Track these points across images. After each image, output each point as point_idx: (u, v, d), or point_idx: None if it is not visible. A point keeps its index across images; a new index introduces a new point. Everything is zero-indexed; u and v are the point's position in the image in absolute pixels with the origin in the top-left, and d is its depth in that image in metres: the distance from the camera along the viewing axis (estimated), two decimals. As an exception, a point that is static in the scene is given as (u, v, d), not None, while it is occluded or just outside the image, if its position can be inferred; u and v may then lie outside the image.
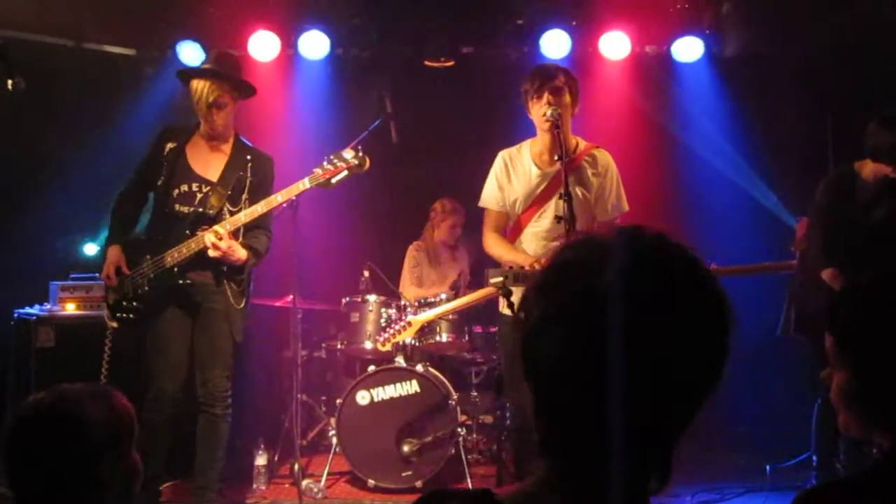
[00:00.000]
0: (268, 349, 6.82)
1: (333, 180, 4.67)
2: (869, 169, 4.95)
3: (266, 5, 6.87)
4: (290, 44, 7.07)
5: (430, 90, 7.20)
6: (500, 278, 4.03)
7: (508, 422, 5.19)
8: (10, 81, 4.02)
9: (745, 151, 7.14)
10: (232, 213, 4.75)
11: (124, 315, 4.77)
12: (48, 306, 5.81)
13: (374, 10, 6.98)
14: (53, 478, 2.13)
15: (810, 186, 5.36)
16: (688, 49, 7.08)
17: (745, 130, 7.07)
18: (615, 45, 7.03)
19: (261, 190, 4.87)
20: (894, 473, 1.77)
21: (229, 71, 4.87)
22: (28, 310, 5.77)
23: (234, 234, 4.72)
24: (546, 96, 4.39)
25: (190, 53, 6.98)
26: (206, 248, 4.58)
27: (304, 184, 4.66)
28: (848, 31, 6.59)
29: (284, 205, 4.81)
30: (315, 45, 7.02)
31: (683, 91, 7.25)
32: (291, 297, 5.82)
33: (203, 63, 4.92)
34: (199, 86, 4.71)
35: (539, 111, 4.42)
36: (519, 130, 4.96)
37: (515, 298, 4.11)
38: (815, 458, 5.12)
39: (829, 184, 5.09)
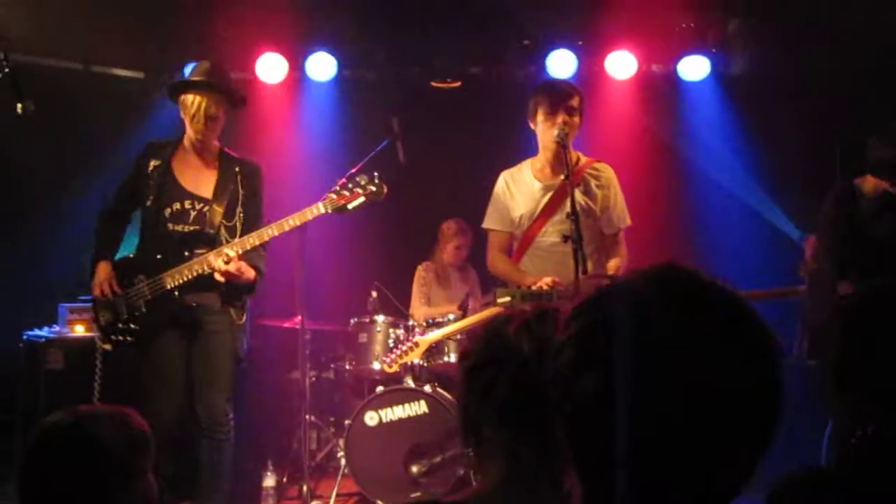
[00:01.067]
0: (276, 370, 6.81)
1: (350, 206, 4.57)
2: (870, 183, 4.94)
3: (273, 27, 6.89)
4: (297, 66, 7.10)
5: (438, 111, 7.22)
6: (509, 297, 4.03)
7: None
8: (20, 105, 4.05)
9: (753, 169, 7.14)
10: (227, 229, 4.70)
11: (120, 337, 4.67)
12: (57, 328, 5.83)
13: (381, 31, 7.01)
14: (68, 498, 2.13)
15: (818, 204, 5.36)
16: (694, 68, 7.10)
17: (752, 149, 7.07)
18: (621, 64, 7.05)
19: (253, 201, 4.82)
20: (873, 461, 1.73)
21: (223, 83, 4.83)
22: (37, 332, 5.79)
23: (232, 236, 4.70)
24: (561, 116, 4.38)
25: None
26: (209, 271, 4.52)
27: (319, 208, 4.57)
28: (854, 48, 6.59)
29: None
30: (322, 66, 7.05)
31: (690, 110, 7.26)
32: (299, 317, 5.82)
33: (192, 75, 4.80)
34: (196, 100, 4.64)
35: (549, 129, 4.41)
36: (526, 150, 4.97)
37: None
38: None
39: (830, 200, 5.08)
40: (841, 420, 4.97)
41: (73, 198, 6.46)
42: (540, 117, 4.49)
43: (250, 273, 4.62)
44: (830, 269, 4.93)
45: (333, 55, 7.03)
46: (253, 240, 4.57)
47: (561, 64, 6.98)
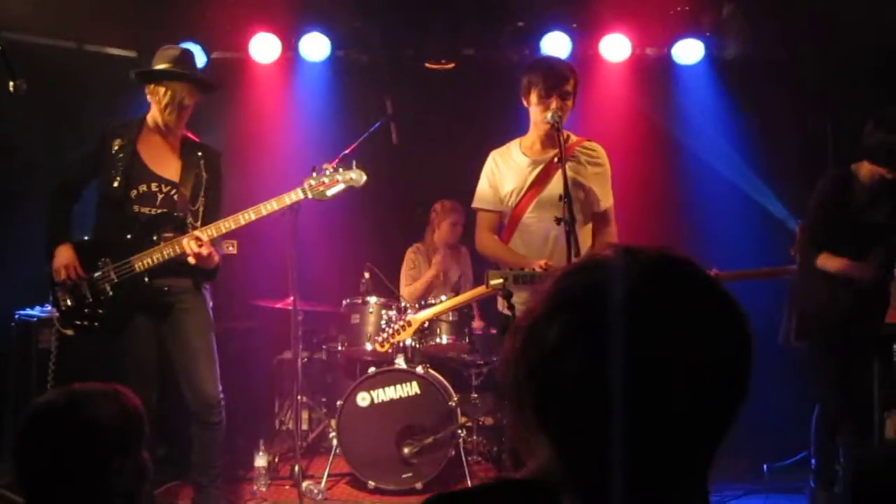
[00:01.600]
0: (268, 351, 6.84)
1: (329, 192, 4.57)
2: (865, 170, 4.92)
3: (267, 7, 6.86)
4: (290, 46, 7.07)
5: (431, 92, 7.21)
6: (501, 280, 4.02)
7: (506, 420, 5.17)
8: (12, 83, 4.02)
9: (746, 153, 7.14)
10: (191, 213, 4.65)
11: (85, 322, 4.57)
12: (49, 307, 5.81)
13: (374, 12, 6.98)
14: (64, 476, 2.15)
15: (811, 188, 5.37)
16: (688, 51, 7.08)
17: (745, 133, 7.08)
18: (615, 47, 7.03)
19: (214, 187, 4.79)
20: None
21: (195, 71, 4.83)
22: (29, 311, 5.78)
23: (196, 220, 4.68)
24: (554, 100, 4.36)
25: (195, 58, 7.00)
26: (181, 254, 4.47)
27: (298, 194, 4.55)
28: (849, 33, 6.59)
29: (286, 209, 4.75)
30: (316, 46, 7.01)
31: (684, 93, 7.25)
32: (292, 298, 5.83)
33: (162, 62, 4.71)
34: (169, 90, 4.60)
35: (542, 112, 4.39)
36: (519, 132, 4.96)
37: (516, 300, 4.12)
38: (813, 461, 5.12)
39: (824, 186, 5.07)
40: (827, 401, 5.02)
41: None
42: (533, 98, 4.46)
43: (216, 258, 4.59)
44: (810, 243, 4.94)
45: (327, 35, 6.99)
46: (229, 223, 4.52)
47: (555, 46, 6.95)
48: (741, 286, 5.41)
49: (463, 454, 5.64)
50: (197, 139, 4.88)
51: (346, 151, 5.88)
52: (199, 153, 4.78)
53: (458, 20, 7.02)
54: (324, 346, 6.63)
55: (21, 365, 5.66)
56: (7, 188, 6.31)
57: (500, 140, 4.99)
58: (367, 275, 6.25)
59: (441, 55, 7.17)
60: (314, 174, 4.57)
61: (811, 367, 5.15)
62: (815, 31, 6.76)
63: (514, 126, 5.42)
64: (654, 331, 1.11)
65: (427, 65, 7.18)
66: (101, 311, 4.57)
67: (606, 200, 4.63)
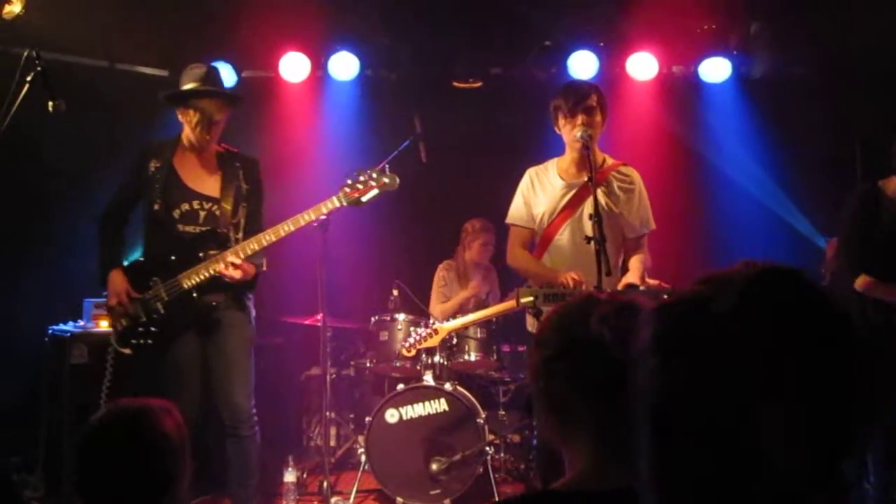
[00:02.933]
0: (297, 367, 6.88)
1: (364, 198, 4.59)
2: (894, 185, 4.92)
3: (296, 27, 6.94)
4: (319, 65, 7.16)
5: (459, 110, 7.24)
6: (531, 297, 4.05)
7: (535, 441, 5.18)
8: (51, 103, 4.09)
9: (773, 171, 7.14)
10: (233, 226, 4.71)
11: (140, 341, 4.65)
12: (82, 323, 5.90)
13: (403, 31, 7.04)
14: (130, 489, 2.18)
15: (838, 206, 5.35)
16: (715, 70, 7.11)
17: (772, 150, 7.07)
18: (642, 65, 7.07)
19: (255, 196, 4.83)
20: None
21: (221, 87, 4.91)
22: (62, 326, 5.86)
23: (237, 234, 4.72)
24: (580, 117, 4.40)
25: (222, 74, 7.07)
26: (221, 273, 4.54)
27: (334, 202, 4.59)
28: (876, 49, 6.58)
29: (315, 223, 4.80)
30: (345, 66, 7.10)
31: (711, 111, 7.27)
32: (321, 315, 5.87)
33: (190, 82, 4.78)
34: (198, 109, 4.67)
35: (571, 131, 4.43)
36: (547, 150, 4.99)
37: (545, 318, 4.13)
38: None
39: (853, 201, 5.06)
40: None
41: (98, 194, 6.51)
42: (561, 121, 4.50)
43: (252, 271, 4.65)
44: (848, 265, 4.92)
45: (356, 54, 7.08)
46: (269, 236, 4.57)
47: (582, 65, 7.01)
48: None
49: (491, 471, 5.65)
50: (234, 149, 4.94)
51: (359, 172, 5.95)
52: (237, 164, 4.84)
53: (486, 39, 7.09)
54: (352, 363, 6.66)
55: (53, 379, 5.74)
56: (41, 206, 6.40)
57: (528, 158, 5.02)
58: (395, 292, 6.29)
59: (468, 74, 7.23)
60: (349, 181, 4.59)
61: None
62: (842, 47, 6.76)
63: (542, 144, 5.45)
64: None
65: (455, 84, 7.23)
66: (153, 328, 4.66)
67: (644, 226, 4.65)
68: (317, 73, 7.22)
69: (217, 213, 4.70)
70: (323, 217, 4.75)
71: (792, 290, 1.16)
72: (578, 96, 4.44)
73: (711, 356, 1.11)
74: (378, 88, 7.34)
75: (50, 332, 5.84)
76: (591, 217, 4.05)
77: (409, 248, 7.24)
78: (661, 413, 1.15)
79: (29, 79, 4.08)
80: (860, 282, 4.74)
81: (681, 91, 7.29)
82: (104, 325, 5.81)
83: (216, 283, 4.60)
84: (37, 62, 4.12)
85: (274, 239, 4.59)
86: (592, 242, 3.97)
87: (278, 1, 6.62)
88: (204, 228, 4.67)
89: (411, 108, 6.55)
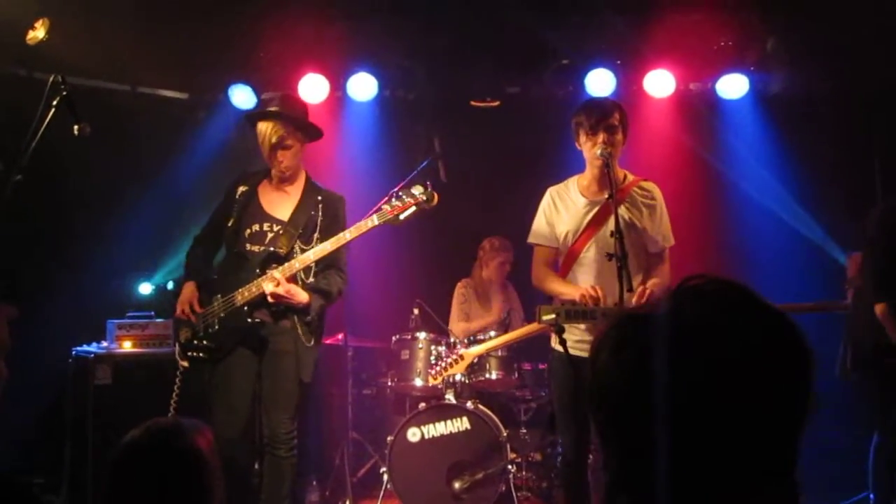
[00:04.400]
0: (317, 386, 6.88)
1: (402, 216, 4.56)
2: None
3: (315, 49, 7.00)
4: (338, 86, 7.22)
5: (477, 130, 7.28)
6: (553, 315, 4.05)
7: (560, 458, 5.17)
8: (76, 127, 4.13)
9: (792, 187, 7.12)
10: (303, 250, 4.74)
11: (195, 354, 4.73)
12: (105, 344, 5.93)
13: (420, 52, 7.09)
14: None
15: (857, 221, 5.34)
16: (733, 86, 7.11)
17: (791, 166, 7.06)
18: (660, 83, 7.08)
19: (332, 229, 4.81)
20: None
21: (293, 112, 4.90)
22: (86, 348, 5.89)
23: (306, 273, 4.74)
24: (602, 135, 4.41)
25: (242, 97, 7.16)
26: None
27: (374, 220, 4.57)
28: (893, 65, 6.58)
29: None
30: (363, 86, 7.15)
31: (729, 128, 7.27)
32: (342, 335, 5.90)
33: (267, 105, 4.91)
34: (263, 127, 4.76)
35: (592, 148, 4.44)
36: (566, 168, 5.00)
37: (568, 335, 4.15)
38: (872, 496, 5.06)
39: (880, 217, 5.05)
40: (884, 433, 4.97)
41: (120, 216, 6.60)
42: (582, 137, 4.51)
43: (302, 296, 4.64)
44: (871, 287, 4.90)
45: (374, 75, 7.13)
46: (310, 256, 4.62)
47: (599, 83, 7.02)
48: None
49: (513, 490, 5.64)
50: (320, 185, 5.02)
51: (395, 189, 5.97)
52: (319, 196, 4.91)
53: (503, 58, 7.12)
54: (373, 382, 6.67)
55: (77, 400, 5.77)
56: (65, 228, 6.47)
57: (546, 176, 5.03)
58: (416, 311, 6.31)
59: (486, 93, 7.27)
60: (389, 199, 4.59)
61: (867, 398, 5.12)
62: (857, 62, 6.75)
63: (560, 162, 5.46)
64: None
65: (472, 103, 7.27)
66: (207, 342, 4.72)
67: (665, 241, 4.65)
68: (336, 94, 7.28)
69: (282, 235, 4.75)
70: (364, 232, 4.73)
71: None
72: (601, 114, 4.45)
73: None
74: (396, 109, 7.39)
75: (74, 353, 5.88)
76: (611, 235, 4.06)
77: (429, 266, 7.25)
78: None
79: (54, 103, 4.13)
80: (879, 308, 4.74)
81: (698, 108, 7.30)
82: (127, 346, 5.87)
83: (267, 301, 4.63)
84: (62, 86, 4.17)
85: (313, 259, 4.63)
86: (614, 259, 3.97)
87: (297, 23, 6.67)
88: (268, 248, 4.73)
89: (429, 127, 6.60)
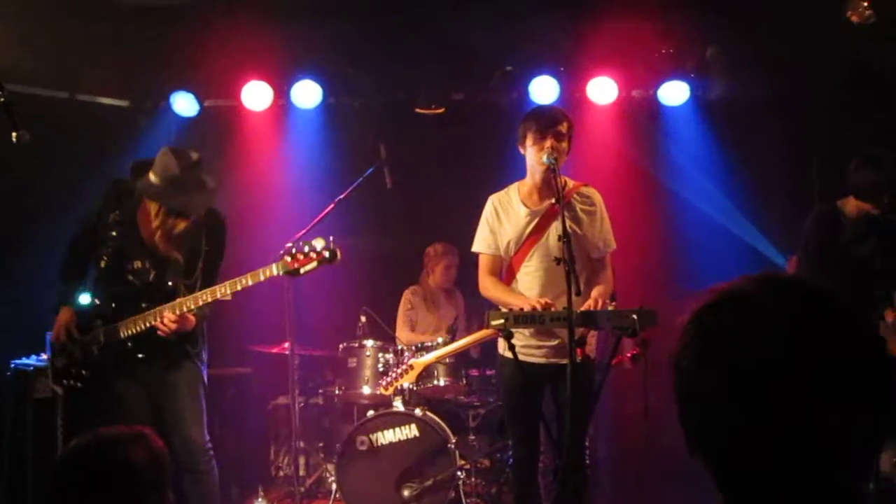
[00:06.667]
0: (263, 396, 6.82)
1: (302, 270, 4.39)
2: (852, 206, 5.07)
3: (259, 56, 6.94)
4: (282, 93, 7.16)
5: (422, 136, 7.28)
6: (502, 320, 4.06)
7: (511, 459, 5.16)
8: (14, 134, 4.04)
9: (732, 192, 7.23)
10: (187, 286, 4.60)
11: (70, 382, 4.61)
12: (45, 356, 5.78)
13: (365, 59, 7.06)
14: None
15: (797, 226, 5.45)
16: (674, 93, 7.20)
17: (731, 172, 7.17)
18: (602, 90, 7.14)
19: (216, 258, 4.74)
20: None
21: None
22: (25, 360, 5.74)
23: (191, 291, 4.59)
24: (549, 141, 4.44)
25: (184, 104, 7.07)
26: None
27: (272, 270, 4.39)
28: (827, 72, 6.72)
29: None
30: (308, 94, 7.11)
31: (670, 134, 7.37)
32: (287, 343, 5.86)
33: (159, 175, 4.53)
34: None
35: (537, 153, 4.46)
36: (510, 174, 5.01)
37: (514, 341, 4.17)
38: None
39: (813, 222, 5.19)
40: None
41: (58, 226, 6.45)
42: (529, 142, 4.53)
43: (189, 323, 4.53)
44: None
45: (318, 83, 7.09)
46: (206, 296, 4.45)
47: (543, 90, 7.07)
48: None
49: (462, 496, 5.64)
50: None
51: (341, 196, 5.96)
52: (202, 219, 4.69)
53: (448, 66, 7.12)
54: (320, 391, 6.63)
55: (16, 414, 5.62)
56: (1, 238, 6.32)
57: (492, 182, 5.04)
58: (363, 318, 6.28)
59: (431, 100, 7.26)
60: (291, 250, 4.38)
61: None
62: (795, 70, 6.88)
63: (505, 169, 5.47)
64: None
65: (417, 110, 7.26)
66: (86, 371, 4.60)
67: (606, 246, 4.69)
68: (279, 102, 7.22)
69: (167, 268, 4.61)
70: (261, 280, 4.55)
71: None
72: (550, 121, 4.49)
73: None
74: (341, 116, 7.36)
75: (12, 365, 5.73)
76: (559, 239, 4.08)
77: (376, 273, 7.22)
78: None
79: (-8, 109, 4.03)
80: None
81: (640, 114, 7.38)
82: (68, 359, 5.73)
83: (153, 334, 4.49)
84: (0, 93, 4.07)
85: (210, 299, 4.47)
86: (563, 264, 3.99)
87: (240, 30, 6.59)
88: (152, 283, 4.58)
89: (375, 134, 6.59)
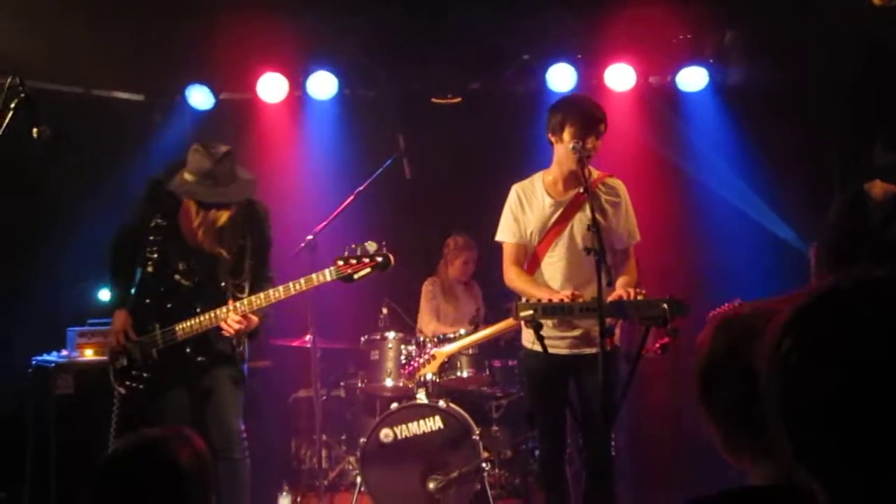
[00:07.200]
0: (285, 389, 6.80)
1: (356, 276, 4.45)
2: (878, 188, 5.00)
3: (274, 47, 6.90)
4: (298, 85, 7.11)
5: (440, 126, 7.23)
6: (531, 311, 4.02)
7: (538, 454, 5.14)
8: (35, 130, 4.03)
9: (751, 178, 7.17)
10: (235, 285, 4.65)
11: (133, 384, 4.66)
12: (66, 353, 5.78)
13: (380, 49, 7.02)
14: None
15: (818, 212, 5.39)
16: (692, 79, 7.13)
17: (750, 158, 7.11)
18: (620, 76, 7.07)
19: (261, 251, 4.77)
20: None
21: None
22: (46, 357, 5.74)
23: (239, 290, 4.65)
24: (591, 141, 4.40)
25: (199, 97, 7.04)
26: (218, 326, 4.50)
27: (325, 275, 4.45)
28: (848, 57, 6.66)
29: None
30: (323, 85, 7.06)
31: (689, 120, 7.30)
32: (309, 336, 5.83)
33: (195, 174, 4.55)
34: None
35: (572, 147, 4.39)
36: (530, 164, 4.97)
37: (547, 332, 4.15)
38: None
39: (840, 207, 5.12)
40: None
41: (76, 221, 6.44)
42: (567, 136, 4.43)
43: (253, 321, 4.58)
44: (825, 273, 4.96)
45: (334, 74, 7.04)
46: (259, 301, 4.49)
47: (560, 78, 7.01)
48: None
49: (487, 487, 5.61)
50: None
51: (361, 188, 5.92)
52: (245, 213, 4.71)
53: (464, 55, 7.07)
54: (341, 383, 6.60)
55: (38, 411, 5.62)
56: (22, 235, 6.31)
57: (510, 172, 5.00)
58: (385, 310, 6.25)
59: (447, 90, 7.21)
60: (345, 254, 4.45)
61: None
62: (816, 55, 6.81)
63: (523, 158, 5.44)
64: None
65: (433, 99, 7.21)
66: (147, 373, 4.64)
67: (630, 237, 4.66)
68: (295, 94, 7.18)
69: (215, 267, 4.65)
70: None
71: None
72: (595, 121, 4.45)
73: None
74: (357, 107, 7.30)
75: (34, 362, 5.73)
76: (588, 228, 4.04)
77: (397, 265, 7.17)
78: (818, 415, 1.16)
79: (13, 105, 4.01)
80: None
81: (659, 101, 7.31)
82: (89, 354, 5.73)
83: (209, 336, 4.56)
84: (20, 88, 4.06)
85: (264, 304, 4.51)
86: (592, 253, 3.95)
87: (254, 22, 6.56)
88: (202, 283, 4.63)
89: (391, 125, 6.54)
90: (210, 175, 4.46)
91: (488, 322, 6.41)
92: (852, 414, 1.13)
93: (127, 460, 2.19)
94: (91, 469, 2.22)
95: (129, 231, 4.80)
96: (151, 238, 4.63)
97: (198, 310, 4.56)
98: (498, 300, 6.37)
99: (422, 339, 5.97)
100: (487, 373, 6.00)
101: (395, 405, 5.68)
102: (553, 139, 4.56)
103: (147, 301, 4.69)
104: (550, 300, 4.12)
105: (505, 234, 4.70)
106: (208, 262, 4.64)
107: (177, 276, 4.62)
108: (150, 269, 4.64)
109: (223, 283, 4.64)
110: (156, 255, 4.63)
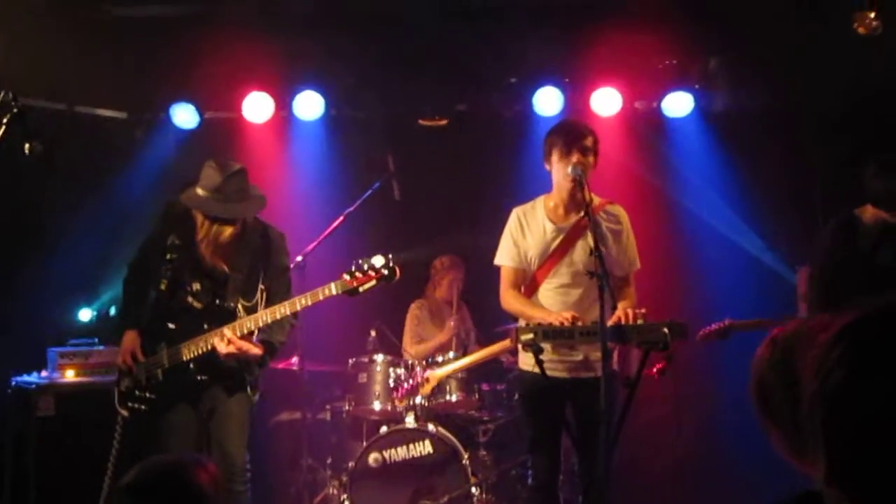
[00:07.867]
0: (269, 412, 6.70)
1: (361, 289, 4.39)
2: (869, 214, 5.01)
3: (260, 66, 6.85)
4: (284, 105, 7.06)
5: (426, 148, 7.21)
6: (531, 335, 3.99)
7: (531, 480, 5.08)
8: (28, 145, 3.96)
9: (736, 204, 7.20)
10: (246, 308, 4.60)
11: (136, 405, 4.61)
12: (46, 374, 5.66)
13: (368, 69, 6.99)
14: None
15: (802, 237, 5.41)
16: (678, 104, 7.17)
17: (735, 183, 7.14)
18: (606, 101, 7.10)
19: (278, 275, 4.74)
20: None
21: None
22: (26, 378, 5.62)
23: (252, 312, 4.59)
24: (576, 156, 4.39)
25: (184, 116, 6.97)
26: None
27: (331, 289, 4.38)
28: (832, 84, 6.72)
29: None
30: (310, 105, 7.01)
31: (674, 146, 7.34)
32: (296, 358, 5.76)
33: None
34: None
35: (563, 168, 4.41)
36: (516, 185, 5.00)
37: (545, 356, 4.12)
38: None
39: (831, 232, 5.13)
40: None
41: (58, 239, 6.35)
42: (555, 157, 4.48)
43: (254, 351, 4.49)
44: (816, 298, 4.97)
45: (321, 94, 6.99)
46: (266, 317, 4.46)
47: (547, 101, 7.02)
48: (755, 336, 5.43)
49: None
50: (259, 220, 4.80)
51: (350, 209, 5.89)
52: (259, 236, 4.71)
53: (451, 77, 7.06)
54: (327, 406, 6.51)
55: (19, 433, 5.49)
56: (5, 252, 6.20)
57: (498, 193, 5.00)
58: (373, 333, 6.19)
59: (434, 112, 7.20)
60: (352, 268, 4.37)
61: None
62: (800, 82, 6.88)
63: (510, 180, 5.43)
64: None
65: (420, 121, 7.20)
66: (150, 394, 4.60)
67: (631, 265, 4.66)
68: (281, 113, 7.12)
69: (226, 288, 4.61)
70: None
71: None
72: (576, 135, 4.45)
73: None
74: (344, 128, 7.26)
75: (13, 383, 5.60)
76: (591, 253, 4.04)
77: (385, 287, 7.12)
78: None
79: (5, 121, 3.95)
80: None
81: (644, 126, 7.34)
82: (70, 376, 5.62)
83: (215, 357, 4.48)
84: (13, 104, 3.99)
85: (269, 320, 4.46)
86: (595, 278, 3.93)
87: (241, 41, 6.50)
88: (213, 303, 4.59)
89: (378, 146, 6.52)
90: (219, 190, 4.46)
91: (480, 344, 6.39)
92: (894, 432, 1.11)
93: (151, 488, 2.14)
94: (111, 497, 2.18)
95: (146, 254, 4.76)
96: (168, 257, 4.61)
97: (205, 328, 4.51)
98: (489, 323, 6.35)
99: (410, 361, 5.92)
100: (476, 396, 5.95)
101: (384, 429, 5.62)
102: (547, 166, 4.59)
103: (157, 321, 4.65)
104: (551, 323, 4.10)
105: (504, 257, 4.67)
106: (220, 283, 4.60)
107: (189, 298, 4.59)
108: (163, 287, 4.60)
109: (233, 304, 4.59)
110: (170, 274, 4.60)
